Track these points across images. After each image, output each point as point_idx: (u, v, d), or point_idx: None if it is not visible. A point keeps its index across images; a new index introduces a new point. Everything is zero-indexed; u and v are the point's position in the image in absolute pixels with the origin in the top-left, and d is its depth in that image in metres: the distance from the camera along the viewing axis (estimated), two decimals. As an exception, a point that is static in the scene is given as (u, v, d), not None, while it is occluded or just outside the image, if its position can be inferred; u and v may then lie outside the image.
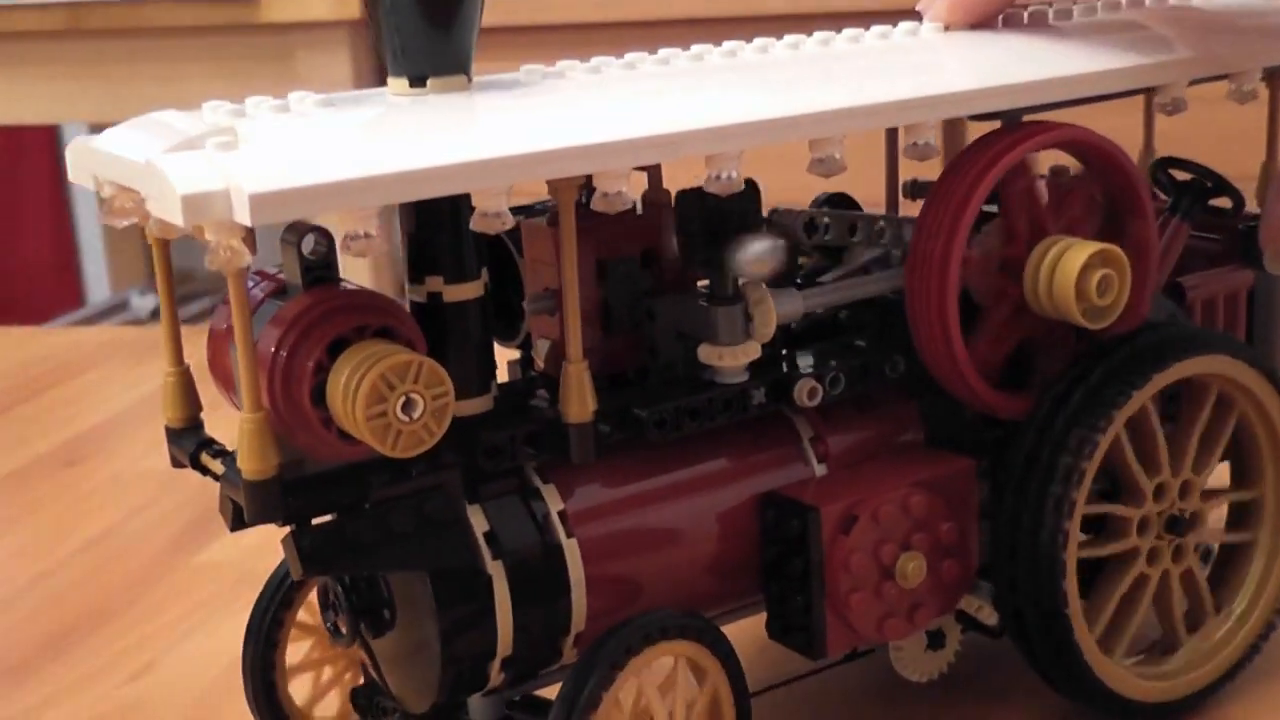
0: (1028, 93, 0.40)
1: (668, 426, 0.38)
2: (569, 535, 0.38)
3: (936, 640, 0.43)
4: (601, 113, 0.36)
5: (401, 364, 0.33)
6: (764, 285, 0.39)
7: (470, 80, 0.36)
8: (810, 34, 0.42)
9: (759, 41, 0.41)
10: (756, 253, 0.38)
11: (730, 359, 0.39)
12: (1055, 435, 0.40)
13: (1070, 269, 0.40)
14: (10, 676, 0.54)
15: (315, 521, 0.36)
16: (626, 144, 0.34)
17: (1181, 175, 0.47)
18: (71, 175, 0.36)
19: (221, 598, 0.58)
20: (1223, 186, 0.46)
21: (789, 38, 0.41)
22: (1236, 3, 0.47)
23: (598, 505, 0.38)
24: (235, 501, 0.35)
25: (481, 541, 0.37)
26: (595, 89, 0.37)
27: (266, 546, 0.47)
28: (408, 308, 0.36)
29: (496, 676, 0.38)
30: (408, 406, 0.33)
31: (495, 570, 0.37)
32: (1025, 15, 0.44)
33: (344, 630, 0.37)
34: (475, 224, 0.33)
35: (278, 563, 0.44)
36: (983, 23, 0.43)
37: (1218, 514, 0.45)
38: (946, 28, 0.43)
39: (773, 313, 0.39)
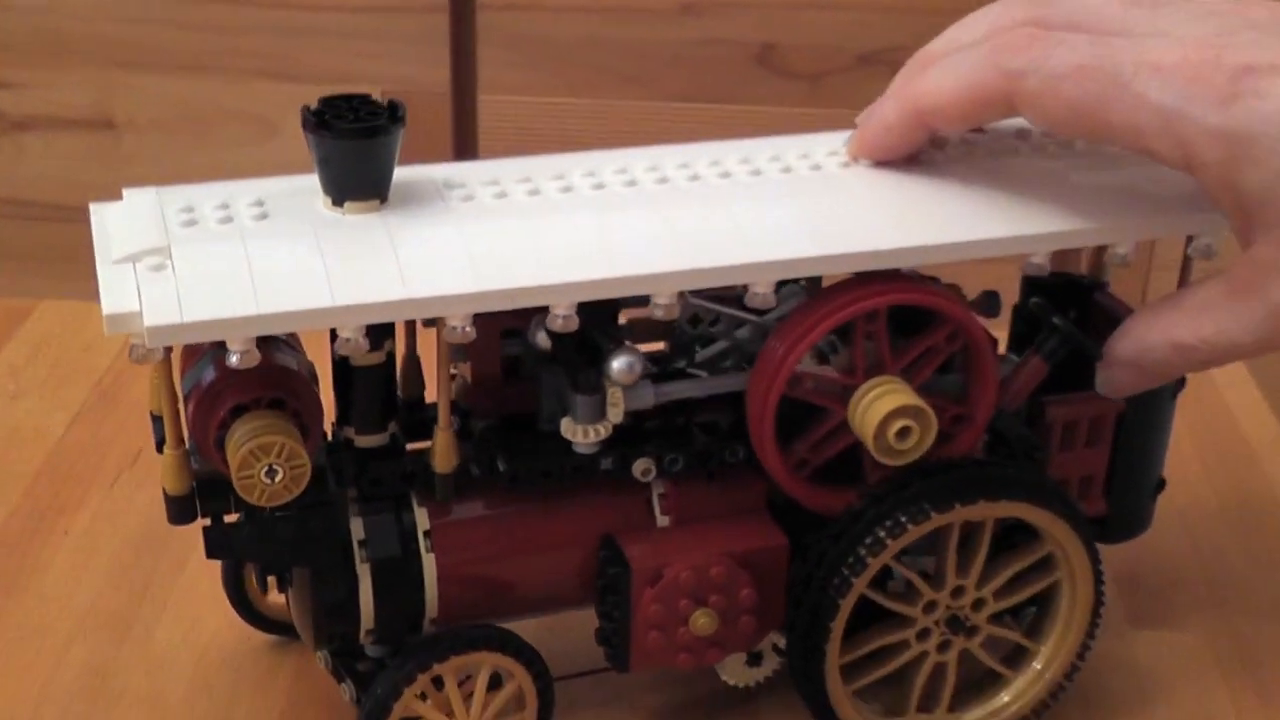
0: (890, 258, 0.47)
1: (521, 481, 0.49)
2: (429, 550, 0.49)
3: (755, 659, 0.53)
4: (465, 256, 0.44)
5: (267, 444, 0.44)
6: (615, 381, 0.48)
7: (383, 203, 0.46)
8: (708, 157, 0.49)
9: (656, 165, 0.48)
10: (620, 368, 0.47)
11: (583, 435, 0.48)
12: (841, 545, 0.49)
13: (875, 415, 0.47)
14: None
15: (227, 519, 0.48)
16: (470, 297, 0.43)
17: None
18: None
19: None
20: (1083, 347, 0.51)
21: (669, 164, 0.49)
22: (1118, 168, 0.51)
23: (459, 527, 0.49)
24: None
25: (356, 547, 0.48)
26: (483, 221, 0.46)
27: None
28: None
29: (366, 640, 0.49)
30: (270, 473, 0.44)
31: (363, 570, 0.48)
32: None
33: (260, 583, 0.50)
34: (339, 349, 0.44)
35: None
36: (891, 159, 0.49)
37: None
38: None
39: (622, 404, 0.48)
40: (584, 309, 0.45)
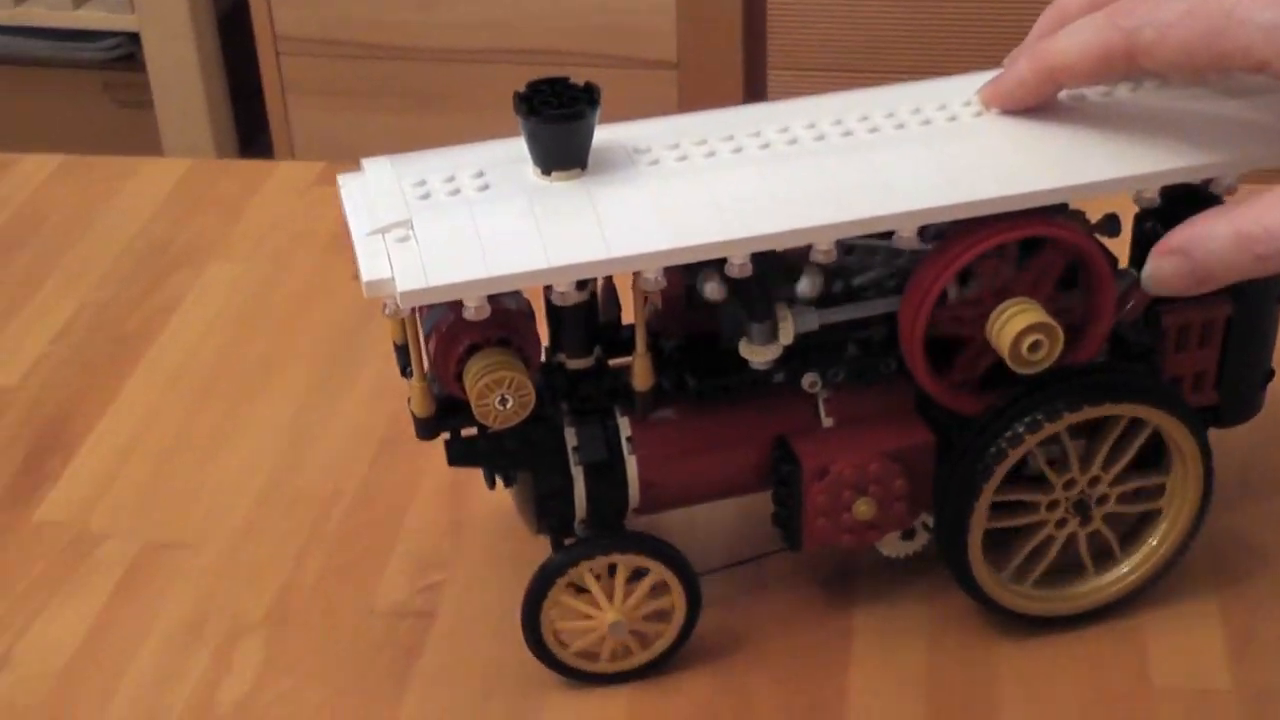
0: (1019, 201, 0.54)
1: (707, 395, 0.58)
2: (630, 453, 0.58)
3: (909, 535, 0.61)
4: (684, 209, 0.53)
5: (500, 378, 0.53)
6: (787, 305, 0.56)
7: (584, 169, 0.54)
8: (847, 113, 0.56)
9: (813, 122, 0.56)
10: (804, 287, 0.56)
11: (758, 355, 0.57)
12: (984, 437, 0.57)
13: (1009, 333, 0.55)
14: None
15: (463, 433, 0.57)
16: (661, 254, 0.52)
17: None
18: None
19: (61, 566, 0.66)
20: None
21: (825, 120, 0.56)
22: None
23: (656, 432, 0.58)
24: None
25: (570, 452, 0.58)
26: (673, 180, 0.54)
27: (97, 503, 0.69)
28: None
29: (579, 528, 0.59)
30: (503, 401, 0.54)
31: (576, 472, 0.58)
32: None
33: (488, 482, 0.60)
34: (554, 300, 0.53)
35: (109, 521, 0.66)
36: (1020, 110, 0.56)
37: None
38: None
39: (791, 327, 0.56)
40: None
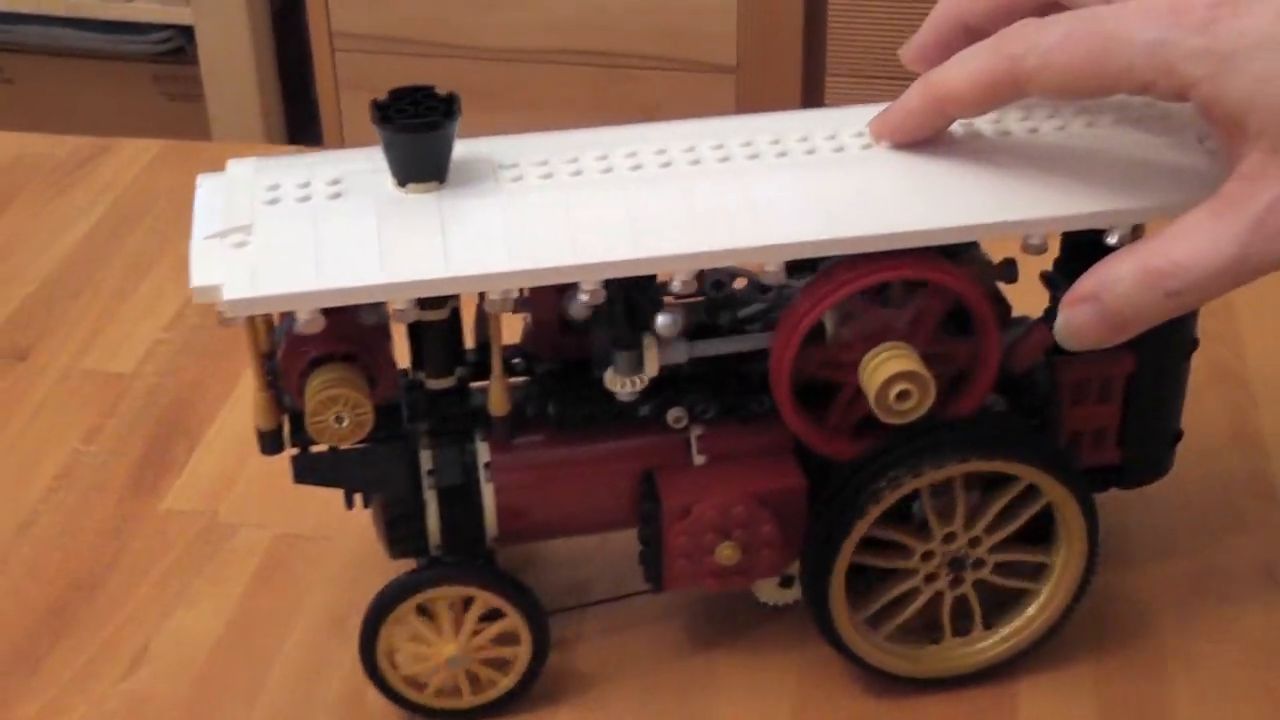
0: (895, 240, 0.51)
1: (567, 424, 0.55)
2: (488, 480, 0.56)
3: (787, 582, 0.59)
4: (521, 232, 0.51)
5: (334, 395, 0.51)
6: (656, 335, 0.54)
7: (442, 182, 0.52)
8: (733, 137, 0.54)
9: (692, 145, 0.54)
10: (664, 323, 0.53)
11: (622, 385, 0.55)
12: (844, 489, 0.54)
13: (876, 380, 0.52)
14: (13, 668, 0.60)
15: (313, 450, 0.55)
16: (503, 275, 0.50)
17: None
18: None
19: (193, 556, 0.65)
20: None
21: (705, 144, 0.54)
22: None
23: (516, 460, 0.56)
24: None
25: (424, 475, 0.56)
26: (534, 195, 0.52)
27: (225, 493, 0.67)
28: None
29: (435, 552, 0.57)
30: (338, 419, 0.52)
31: (429, 496, 0.56)
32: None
33: (347, 501, 0.58)
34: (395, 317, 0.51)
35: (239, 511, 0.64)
36: (910, 143, 0.54)
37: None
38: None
39: (657, 359, 0.54)
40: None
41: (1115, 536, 0.63)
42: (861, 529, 0.54)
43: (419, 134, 0.51)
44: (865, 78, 1.79)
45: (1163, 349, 0.56)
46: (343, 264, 0.50)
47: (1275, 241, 0.47)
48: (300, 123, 2.06)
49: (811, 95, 1.83)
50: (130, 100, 2.04)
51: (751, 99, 1.82)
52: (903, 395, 0.53)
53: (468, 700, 0.57)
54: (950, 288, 0.53)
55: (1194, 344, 0.58)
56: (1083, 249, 0.55)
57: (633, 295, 0.54)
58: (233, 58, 1.99)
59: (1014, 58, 0.50)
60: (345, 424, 0.52)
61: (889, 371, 0.52)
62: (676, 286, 0.52)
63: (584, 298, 0.51)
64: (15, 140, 0.97)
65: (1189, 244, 0.48)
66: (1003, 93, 0.51)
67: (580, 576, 0.63)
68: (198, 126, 2.02)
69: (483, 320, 0.58)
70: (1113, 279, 0.49)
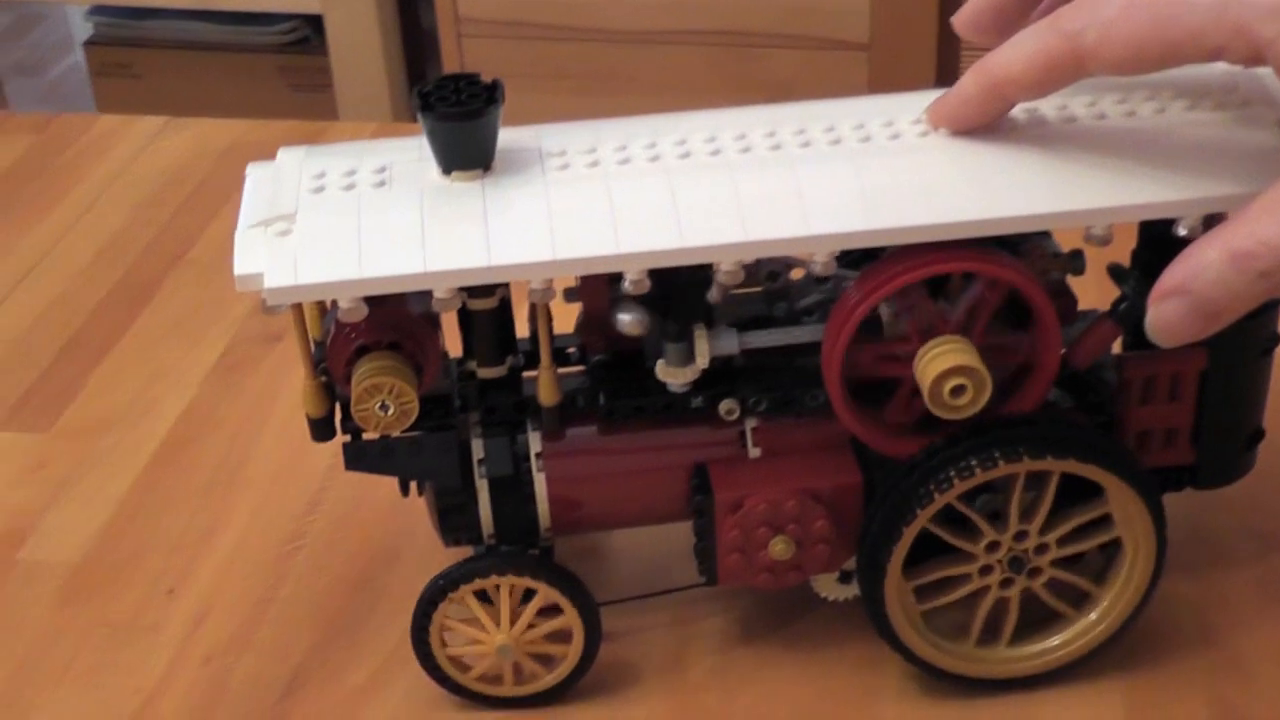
0: (944, 231, 0.50)
1: (617, 415, 0.55)
2: (539, 470, 0.55)
3: (846, 577, 0.57)
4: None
5: (379, 383, 0.51)
6: (704, 326, 0.53)
7: (487, 170, 0.51)
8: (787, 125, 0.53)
9: (744, 132, 0.52)
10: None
11: (674, 376, 0.54)
12: (911, 480, 0.53)
13: (929, 374, 0.51)
14: (334, 638, 0.60)
15: (365, 437, 0.55)
16: (544, 265, 0.49)
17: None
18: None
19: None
20: None
21: (756, 131, 0.52)
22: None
23: (568, 451, 0.55)
24: None
25: (475, 464, 0.55)
26: (587, 185, 0.51)
27: None
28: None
29: (489, 541, 0.57)
30: (383, 407, 0.52)
31: (481, 485, 0.55)
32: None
33: (402, 489, 0.58)
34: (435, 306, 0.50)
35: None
36: (968, 131, 0.52)
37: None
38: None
39: (707, 350, 0.53)
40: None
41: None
42: (914, 529, 0.53)
43: (460, 122, 0.50)
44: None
45: (1236, 344, 0.54)
46: (384, 253, 0.49)
47: None
48: (427, 109, 2.07)
49: (946, 72, 1.79)
50: (256, 92, 2.07)
51: (884, 77, 1.79)
52: (957, 390, 0.51)
53: (509, 689, 0.56)
54: (1004, 280, 0.51)
55: (1275, 339, 0.55)
56: (1160, 240, 0.53)
57: (683, 284, 0.53)
58: (361, 44, 2.01)
59: (1073, 35, 0.48)
60: (391, 412, 0.52)
61: (943, 365, 0.51)
62: (722, 278, 0.51)
63: (628, 287, 0.50)
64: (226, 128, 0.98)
65: (1275, 220, 0.45)
66: (1064, 72, 0.49)
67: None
68: (324, 117, 2.04)
69: (535, 309, 0.58)
70: (1200, 267, 0.46)
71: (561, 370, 0.56)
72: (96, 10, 2.09)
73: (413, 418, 0.52)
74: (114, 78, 2.09)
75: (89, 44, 2.10)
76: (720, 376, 0.55)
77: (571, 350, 0.57)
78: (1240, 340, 0.54)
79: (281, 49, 2.06)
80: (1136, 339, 0.59)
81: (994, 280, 0.51)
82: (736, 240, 0.50)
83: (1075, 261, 0.54)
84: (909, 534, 0.53)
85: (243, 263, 0.50)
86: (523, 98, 1.94)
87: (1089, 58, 0.48)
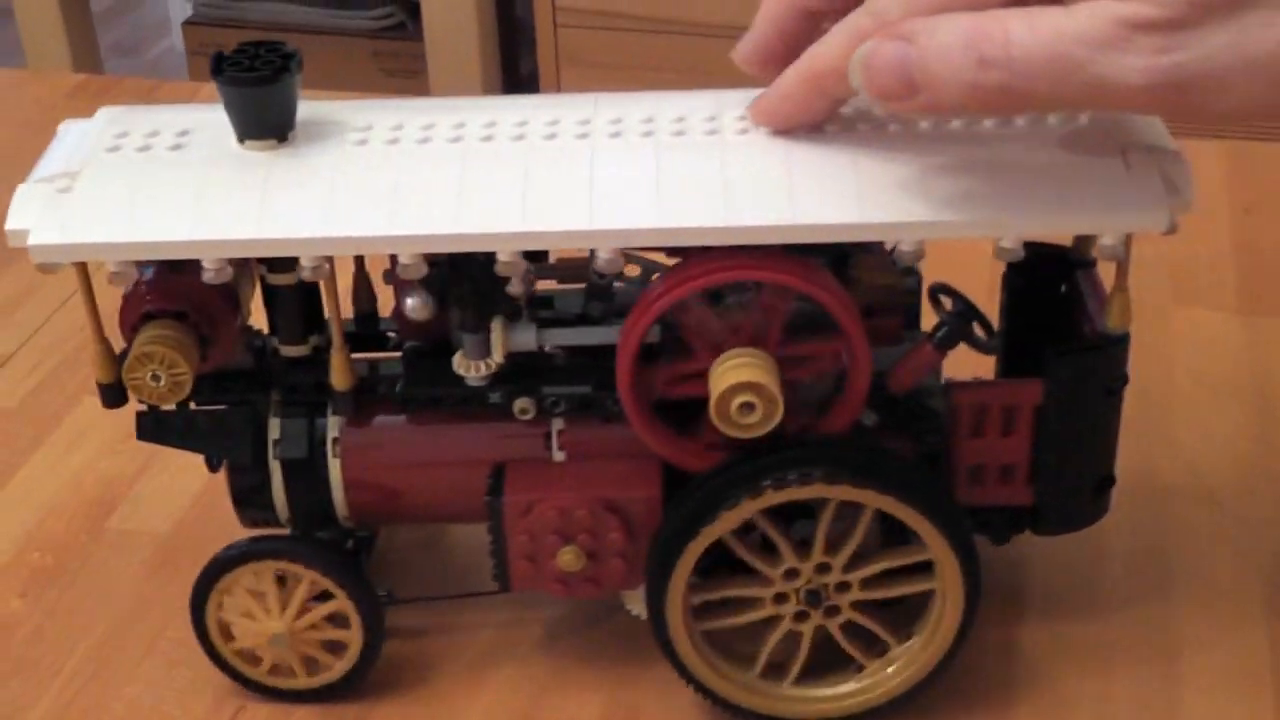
0: (725, 235, 0.47)
1: (412, 404, 0.53)
2: (335, 455, 0.53)
3: (658, 592, 0.55)
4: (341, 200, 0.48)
5: (149, 352, 0.50)
6: (504, 319, 0.51)
7: (282, 141, 0.49)
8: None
9: (557, 118, 0.50)
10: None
11: (469, 370, 0.51)
12: (691, 503, 0.50)
13: (720, 384, 0.48)
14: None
15: (164, 409, 0.53)
16: (311, 241, 0.47)
17: (948, 302, 0.50)
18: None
19: None
20: (969, 339, 0.50)
21: (570, 119, 0.50)
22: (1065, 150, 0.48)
23: (365, 438, 0.53)
24: None
25: (270, 445, 0.53)
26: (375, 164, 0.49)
27: None
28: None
29: (287, 526, 0.55)
30: (155, 378, 0.50)
31: (274, 467, 0.53)
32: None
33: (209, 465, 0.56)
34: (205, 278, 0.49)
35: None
36: (791, 128, 0.49)
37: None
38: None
39: (502, 343, 0.51)
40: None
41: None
42: (700, 545, 0.50)
43: (249, 88, 0.49)
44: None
45: (1074, 379, 0.50)
46: (154, 217, 0.48)
47: (1112, 63, 0.41)
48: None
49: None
50: (349, 75, 2.07)
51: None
52: (746, 407, 0.48)
53: (302, 681, 0.54)
54: (792, 288, 0.48)
55: (1121, 379, 0.51)
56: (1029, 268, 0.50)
57: (482, 276, 0.50)
58: (457, 31, 2.00)
59: (878, 13, 0.45)
60: (162, 383, 0.50)
61: (728, 381, 0.48)
62: (503, 269, 0.48)
63: (401, 271, 0.48)
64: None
65: (1025, 24, 0.42)
66: None
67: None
68: (414, 101, 2.03)
69: (363, 289, 0.56)
70: (936, 25, 0.43)
71: (383, 356, 0.55)
72: (197, -10, 2.12)
73: (185, 391, 0.50)
74: (209, 57, 2.10)
75: (188, 24, 2.13)
76: (519, 372, 0.52)
77: (392, 335, 0.55)
78: (1078, 375, 0.50)
79: (376, 34, 2.07)
80: (1007, 367, 0.56)
81: (782, 289, 0.48)
82: (513, 230, 0.47)
83: (905, 279, 0.51)
84: (693, 549, 0.50)
85: (16, 218, 0.48)
86: (618, 89, 1.94)
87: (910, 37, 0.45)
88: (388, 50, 2.07)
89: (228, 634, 0.54)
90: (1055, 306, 0.54)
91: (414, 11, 2.01)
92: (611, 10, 1.89)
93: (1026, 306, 0.55)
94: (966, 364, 0.53)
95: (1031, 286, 0.55)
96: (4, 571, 0.62)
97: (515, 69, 2.07)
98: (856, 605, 0.51)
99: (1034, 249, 0.53)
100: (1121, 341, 0.51)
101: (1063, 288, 0.54)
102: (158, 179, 0.49)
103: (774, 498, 0.49)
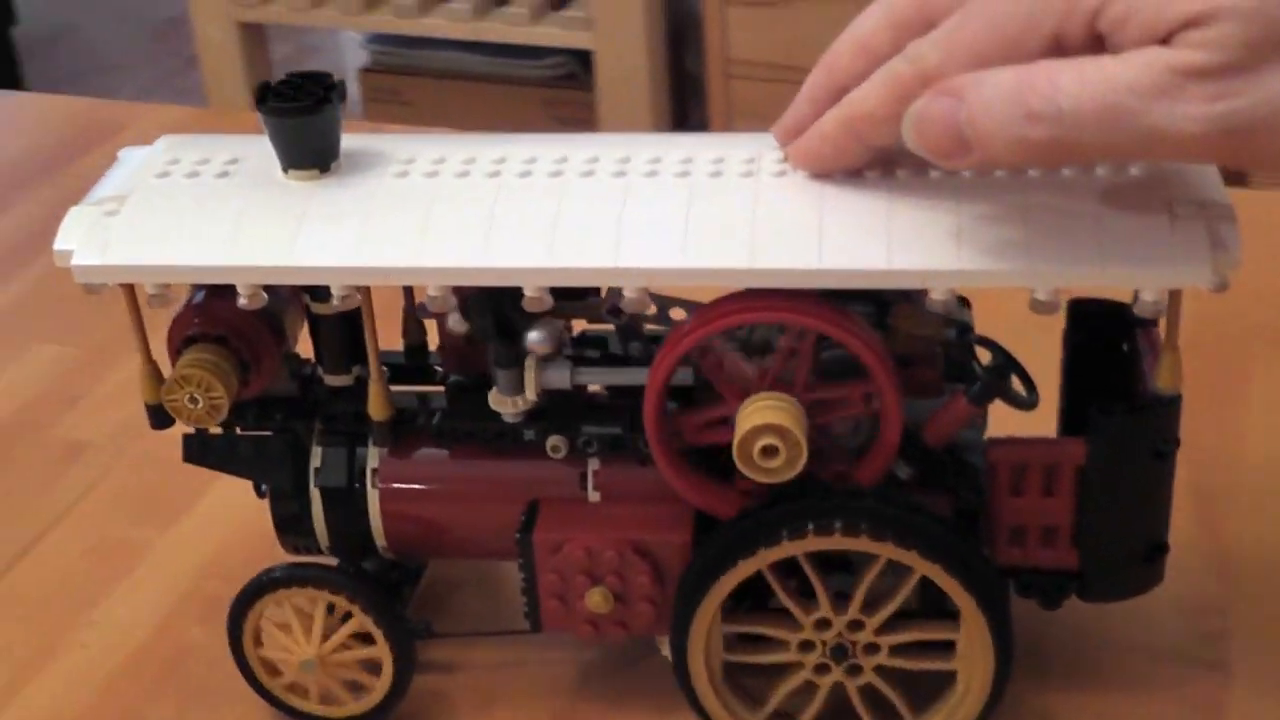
0: (746, 278, 0.46)
1: (447, 437, 0.53)
2: (374, 486, 0.53)
3: (693, 641, 0.54)
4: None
5: (187, 375, 0.50)
6: (537, 357, 0.50)
7: (325, 171, 0.50)
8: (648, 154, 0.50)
9: (595, 156, 0.50)
10: (534, 338, 0.50)
11: (505, 406, 0.51)
12: (718, 545, 0.49)
13: (743, 426, 0.47)
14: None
15: (210, 432, 0.54)
16: (345, 270, 0.47)
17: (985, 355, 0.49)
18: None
19: None
20: (1005, 394, 0.48)
21: (609, 157, 0.50)
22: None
23: (404, 469, 0.53)
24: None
25: (311, 473, 0.54)
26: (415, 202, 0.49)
27: None
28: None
29: (327, 552, 0.55)
30: (193, 400, 0.51)
31: (314, 494, 0.54)
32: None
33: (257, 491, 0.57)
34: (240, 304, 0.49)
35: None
36: (828, 172, 0.48)
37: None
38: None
39: (536, 380, 0.51)
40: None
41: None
42: (718, 595, 0.49)
43: (291, 118, 0.49)
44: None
45: (1119, 440, 0.48)
46: (192, 242, 0.49)
47: (1166, 112, 0.41)
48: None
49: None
50: (521, 123, 2.10)
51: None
52: (769, 451, 0.47)
53: (313, 707, 0.55)
54: (819, 331, 0.47)
55: (1171, 442, 0.49)
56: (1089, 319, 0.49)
57: (508, 311, 0.50)
58: (628, 82, 2.02)
59: (917, 58, 0.45)
60: (200, 405, 0.51)
61: (753, 422, 0.47)
62: (531, 304, 0.48)
63: (431, 304, 0.48)
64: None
65: (1076, 75, 0.42)
66: (912, 99, 0.45)
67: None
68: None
69: (412, 322, 0.56)
70: (986, 79, 0.43)
71: (432, 389, 0.55)
72: (374, 39, 2.17)
73: (222, 415, 0.51)
74: (384, 103, 2.16)
75: (364, 71, 2.18)
76: (554, 410, 0.52)
77: (439, 369, 0.55)
78: (1124, 436, 0.48)
79: (548, 83, 2.09)
80: (1067, 426, 0.54)
81: (809, 332, 0.47)
82: (539, 265, 0.47)
83: (944, 330, 0.50)
84: (715, 594, 0.49)
85: (63, 238, 0.50)
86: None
87: (936, 77, 0.44)
88: (559, 99, 2.10)
89: (273, 669, 0.55)
90: (1116, 365, 0.52)
91: (586, 62, 2.04)
92: (784, 63, 1.89)
93: (1087, 364, 0.53)
94: (1030, 422, 0.51)
95: (1092, 343, 0.53)
96: (184, 600, 0.63)
97: (685, 120, 2.08)
98: (880, 670, 0.50)
99: (1093, 305, 0.52)
100: (1173, 403, 0.49)
101: (1124, 346, 0.52)
102: (201, 205, 0.50)
103: (789, 548, 0.48)
